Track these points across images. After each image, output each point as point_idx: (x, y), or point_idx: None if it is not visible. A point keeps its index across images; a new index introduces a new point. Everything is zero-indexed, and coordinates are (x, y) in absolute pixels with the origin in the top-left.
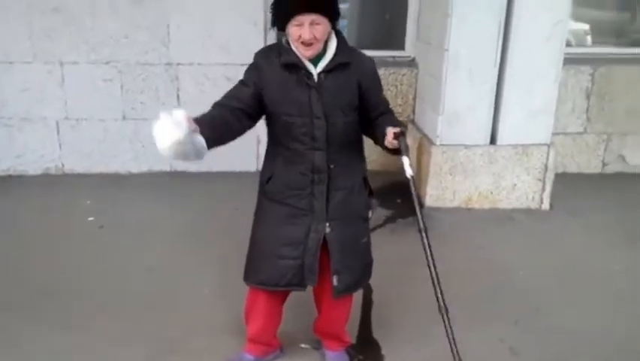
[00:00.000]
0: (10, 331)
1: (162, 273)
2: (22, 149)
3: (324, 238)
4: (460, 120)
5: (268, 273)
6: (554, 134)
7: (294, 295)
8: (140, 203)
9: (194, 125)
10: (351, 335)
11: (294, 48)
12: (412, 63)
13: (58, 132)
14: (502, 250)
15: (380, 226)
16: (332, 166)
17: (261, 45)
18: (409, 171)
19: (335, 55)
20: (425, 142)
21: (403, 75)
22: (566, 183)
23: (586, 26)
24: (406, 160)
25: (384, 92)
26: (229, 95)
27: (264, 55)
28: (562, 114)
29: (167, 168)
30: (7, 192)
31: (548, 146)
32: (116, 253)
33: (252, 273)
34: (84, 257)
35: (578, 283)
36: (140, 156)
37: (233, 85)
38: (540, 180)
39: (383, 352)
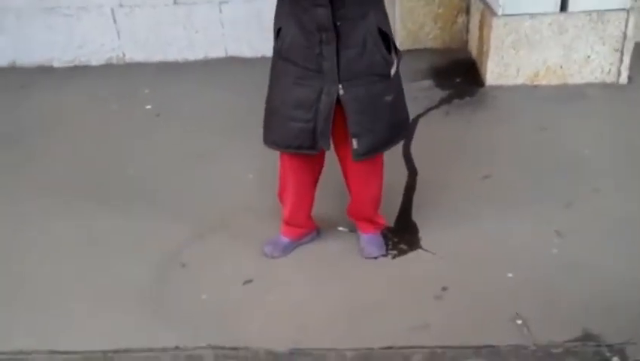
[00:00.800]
0: (74, 208)
1: (211, 158)
2: (82, 39)
3: (340, 101)
4: None
5: (281, 134)
6: None
7: (332, 180)
8: (195, 90)
9: None
10: (389, 219)
11: None
12: None
13: (115, 21)
14: (569, 128)
15: (435, 107)
16: (338, 24)
17: None
18: None
19: None
20: (487, 14)
21: None
22: None
23: None
24: None
25: None
26: None
27: None
28: None
29: (222, 55)
30: (71, 82)
31: (628, 11)
32: (170, 140)
33: (267, 133)
34: (140, 144)
35: None
36: (194, 43)
37: None
38: (618, 50)
39: (420, 235)
